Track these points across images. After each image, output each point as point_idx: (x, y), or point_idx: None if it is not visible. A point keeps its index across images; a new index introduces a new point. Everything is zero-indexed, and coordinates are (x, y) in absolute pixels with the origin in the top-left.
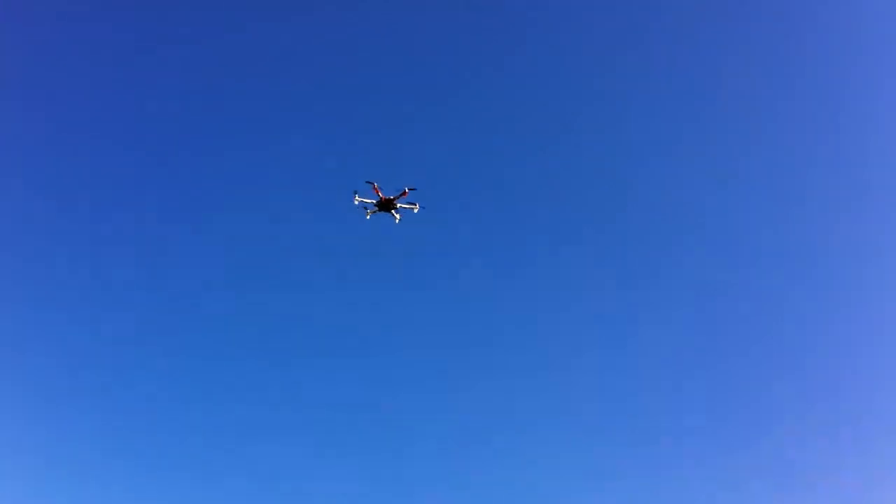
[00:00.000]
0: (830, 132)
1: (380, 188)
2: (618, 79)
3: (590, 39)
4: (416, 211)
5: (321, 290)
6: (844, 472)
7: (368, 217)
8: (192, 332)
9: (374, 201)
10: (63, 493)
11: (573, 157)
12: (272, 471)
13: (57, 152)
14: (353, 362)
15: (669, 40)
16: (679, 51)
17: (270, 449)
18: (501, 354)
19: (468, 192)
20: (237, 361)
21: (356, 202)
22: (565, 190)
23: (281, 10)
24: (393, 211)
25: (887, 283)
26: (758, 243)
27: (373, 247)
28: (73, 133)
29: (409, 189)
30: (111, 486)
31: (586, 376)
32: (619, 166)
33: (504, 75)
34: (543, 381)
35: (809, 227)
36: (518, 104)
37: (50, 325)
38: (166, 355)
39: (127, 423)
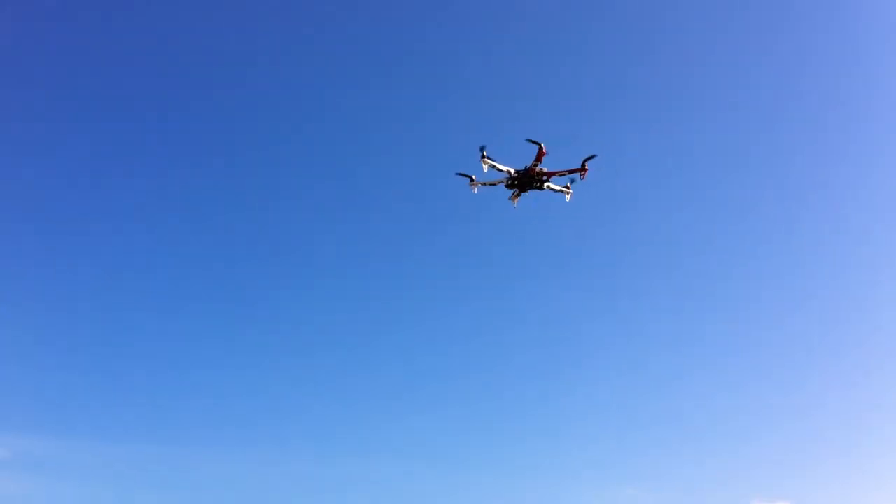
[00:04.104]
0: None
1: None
2: None
3: None
4: (568, 198)
5: None
6: None
7: (475, 190)
8: None
9: (515, 171)
10: None
11: None
12: None
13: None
14: None
15: None
16: None
17: None
18: None
19: None
20: None
21: (485, 167)
22: None
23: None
24: (541, 186)
25: None
26: None
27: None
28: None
29: (586, 161)
30: None
31: None
32: None
33: None
34: None
35: None
36: None
37: None
38: None
39: None
